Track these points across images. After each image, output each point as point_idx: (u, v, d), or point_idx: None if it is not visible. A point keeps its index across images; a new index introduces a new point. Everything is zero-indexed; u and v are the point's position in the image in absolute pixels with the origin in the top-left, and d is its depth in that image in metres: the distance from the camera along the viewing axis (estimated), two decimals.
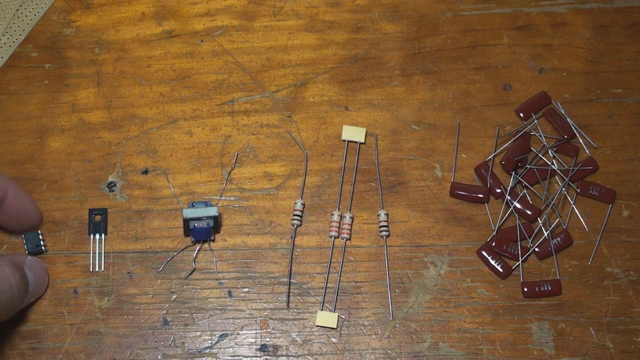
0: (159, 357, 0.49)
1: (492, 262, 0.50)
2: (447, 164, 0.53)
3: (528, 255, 0.51)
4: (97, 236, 0.51)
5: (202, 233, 0.49)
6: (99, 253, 0.50)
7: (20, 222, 0.49)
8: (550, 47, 0.56)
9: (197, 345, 0.49)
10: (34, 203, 0.50)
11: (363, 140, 0.53)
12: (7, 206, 0.47)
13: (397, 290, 0.50)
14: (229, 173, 0.53)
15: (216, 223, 0.49)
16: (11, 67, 0.55)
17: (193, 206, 0.49)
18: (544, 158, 0.53)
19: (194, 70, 0.55)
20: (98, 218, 0.51)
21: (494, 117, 0.54)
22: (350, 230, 0.51)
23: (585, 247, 0.51)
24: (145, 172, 0.52)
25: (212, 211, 0.49)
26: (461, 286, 0.50)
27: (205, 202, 0.49)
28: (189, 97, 0.54)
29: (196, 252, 0.50)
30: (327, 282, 0.50)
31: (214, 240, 0.51)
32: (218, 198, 0.52)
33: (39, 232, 0.50)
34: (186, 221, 0.49)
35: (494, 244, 0.51)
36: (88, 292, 0.50)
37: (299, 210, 0.51)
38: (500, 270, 0.50)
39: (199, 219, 0.49)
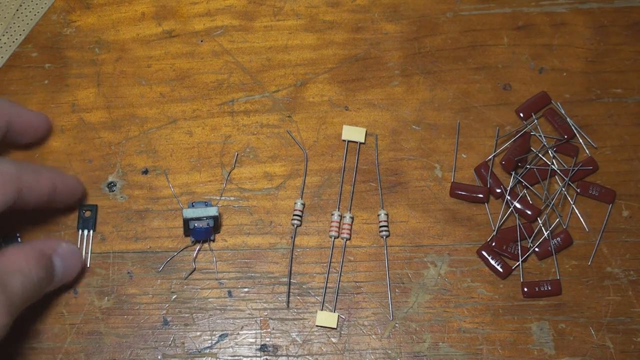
0: (159, 357, 0.49)
1: (492, 262, 0.50)
2: (447, 164, 0.53)
3: (528, 255, 0.51)
4: (86, 232, 0.51)
5: (202, 233, 0.49)
6: (85, 249, 0.50)
7: (68, 203, 0.50)
8: (550, 47, 0.56)
9: (197, 345, 0.49)
10: (79, 181, 0.50)
11: (363, 140, 0.53)
12: (58, 195, 0.48)
13: (397, 290, 0.50)
14: (229, 173, 0.53)
15: (216, 223, 0.49)
16: (11, 67, 0.55)
17: (193, 206, 0.49)
18: (544, 158, 0.53)
19: (194, 70, 0.55)
20: (88, 214, 0.51)
21: (494, 117, 0.54)
22: (350, 230, 0.51)
23: (585, 247, 0.52)
24: (145, 172, 0.52)
25: (212, 211, 0.49)
26: (461, 286, 0.50)
27: (205, 202, 0.49)
28: (189, 97, 0.54)
29: (196, 252, 0.50)
30: (327, 282, 0.50)
31: (214, 240, 0.51)
32: (218, 198, 0.52)
33: (18, 235, 0.50)
34: (186, 221, 0.49)
35: (494, 244, 0.51)
36: (88, 292, 0.50)
37: (299, 210, 0.51)
38: (500, 270, 0.50)
39: (199, 219, 0.49)
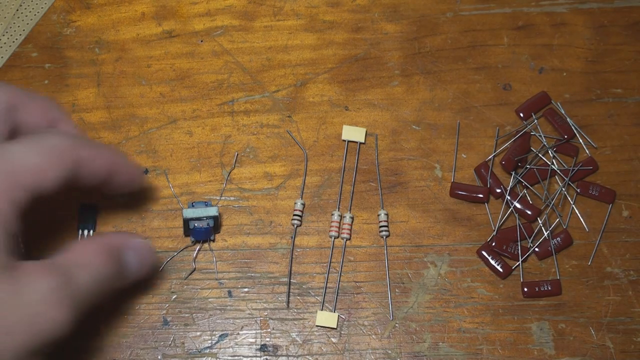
0: (159, 357, 0.49)
1: (492, 262, 0.50)
2: (447, 164, 0.53)
3: (528, 255, 0.51)
4: (86, 232, 0.51)
5: (202, 233, 0.49)
6: None
7: (126, 188, 0.46)
8: (550, 47, 0.56)
9: (197, 345, 0.49)
10: (138, 167, 0.48)
11: (363, 140, 0.53)
12: (116, 177, 0.45)
13: (397, 290, 0.50)
14: (229, 173, 0.53)
15: (216, 223, 0.49)
16: (11, 67, 0.55)
17: (193, 206, 0.49)
18: (544, 158, 0.53)
19: (194, 70, 0.55)
20: (88, 214, 0.51)
21: (494, 117, 0.54)
22: (350, 230, 0.51)
23: (585, 247, 0.52)
24: (145, 172, 0.52)
25: (212, 211, 0.49)
26: (461, 286, 0.50)
27: (205, 202, 0.49)
28: (189, 97, 0.54)
29: (196, 252, 0.50)
30: (327, 282, 0.50)
31: (214, 240, 0.51)
32: (218, 198, 0.52)
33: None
34: (186, 221, 0.49)
35: (494, 244, 0.51)
36: None
37: (299, 210, 0.51)
38: (500, 270, 0.50)
39: (198, 219, 0.49)
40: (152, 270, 0.48)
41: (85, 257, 0.40)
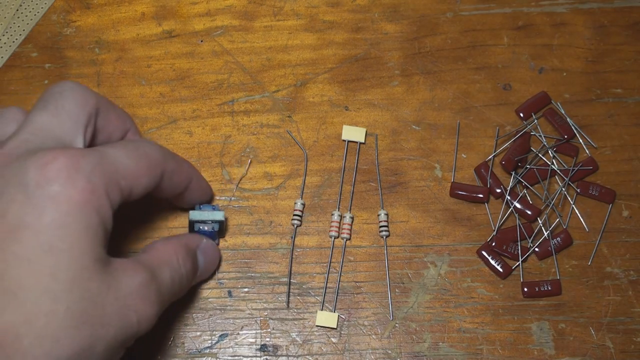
0: (159, 357, 0.49)
1: (492, 262, 0.50)
2: (447, 164, 0.53)
3: (528, 255, 0.51)
4: None
5: (206, 236, 0.49)
6: None
7: (194, 202, 0.49)
8: (550, 47, 0.56)
9: (197, 345, 0.49)
10: (209, 185, 0.50)
11: (363, 140, 0.53)
12: (190, 192, 0.47)
13: (397, 290, 0.50)
14: (239, 180, 0.52)
15: (221, 227, 0.49)
16: (11, 67, 0.55)
17: (200, 208, 0.49)
18: (544, 158, 0.53)
19: (194, 70, 0.55)
20: None
21: (494, 117, 0.54)
22: (350, 230, 0.51)
23: (585, 247, 0.52)
24: None
25: (218, 215, 0.48)
26: (461, 286, 0.50)
27: (213, 206, 0.49)
28: (189, 97, 0.54)
29: None
30: (327, 282, 0.50)
31: (217, 244, 0.51)
32: (221, 198, 0.52)
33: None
34: (192, 223, 0.49)
35: (494, 244, 0.51)
36: None
37: (299, 210, 0.51)
38: (500, 270, 0.50)
39: (204, 221, 0.49)
40: (216, 270, 0.50)
41: (167, 256, 0.42)
